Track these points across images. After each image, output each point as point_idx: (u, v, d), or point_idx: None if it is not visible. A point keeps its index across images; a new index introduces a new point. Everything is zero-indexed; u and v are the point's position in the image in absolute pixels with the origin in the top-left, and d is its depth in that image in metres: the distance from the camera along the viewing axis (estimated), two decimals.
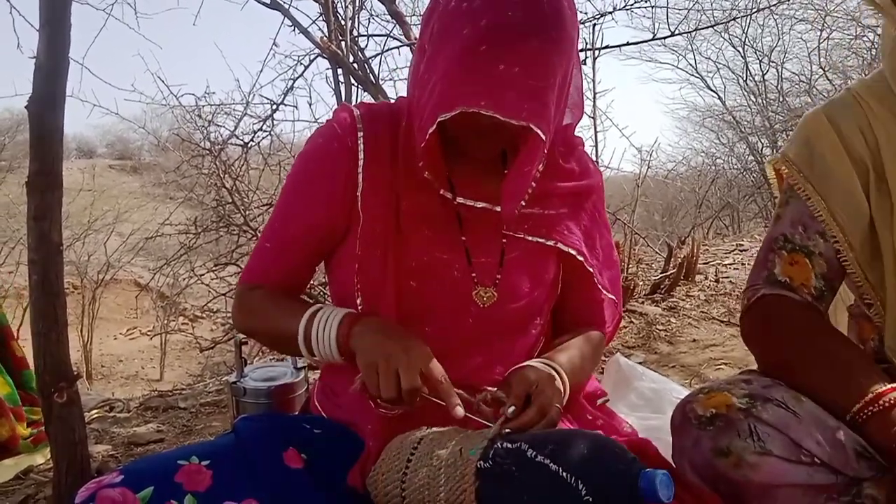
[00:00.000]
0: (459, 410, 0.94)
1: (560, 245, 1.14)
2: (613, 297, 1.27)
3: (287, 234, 1.13)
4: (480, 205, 1.11)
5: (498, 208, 1.10)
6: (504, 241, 1.12)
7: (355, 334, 1.00)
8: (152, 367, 12.76)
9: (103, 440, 2.22)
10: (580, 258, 1.16)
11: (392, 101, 1.21)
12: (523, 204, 1.06)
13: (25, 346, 2.07)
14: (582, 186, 1.19)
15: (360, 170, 1.08)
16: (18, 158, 17.96)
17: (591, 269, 1.18)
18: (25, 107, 1.65)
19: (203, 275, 4.24)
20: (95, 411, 2.58)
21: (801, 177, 1.14)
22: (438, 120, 0.94)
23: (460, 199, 1.10)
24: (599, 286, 1.20)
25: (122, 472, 0.92)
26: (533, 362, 1.07)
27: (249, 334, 1.24)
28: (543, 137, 0.96)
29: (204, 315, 12.72)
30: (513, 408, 0.95)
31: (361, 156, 1.08)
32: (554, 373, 1.05)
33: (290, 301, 1.14)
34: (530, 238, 1.13)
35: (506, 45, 0.91)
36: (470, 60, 0.92)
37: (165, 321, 12.19)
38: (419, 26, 3.83)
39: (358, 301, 1.08)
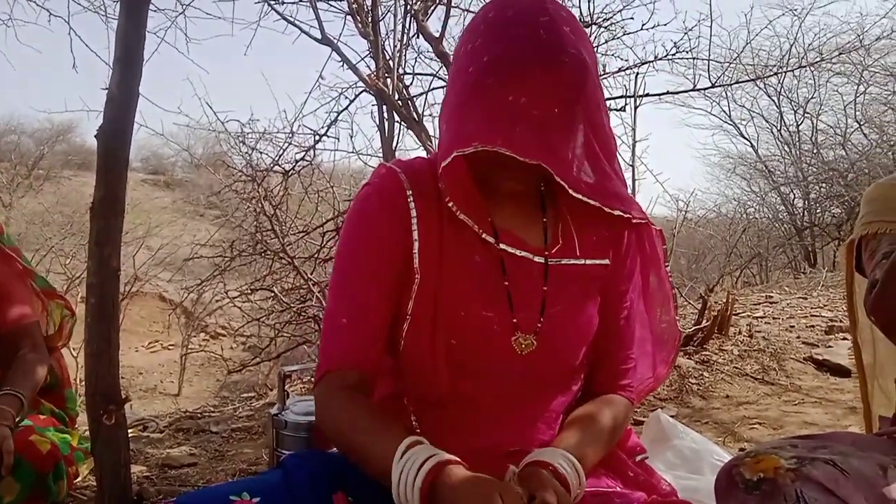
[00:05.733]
0: None
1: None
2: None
3: (362, 307, 1.08)
4: (522, 254, 1.10)
5: (538, 259, 1.11)
6: (545, 289, 1.11)
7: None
8: (171, 382, 12.82)
9: (138, 461, 2.25)
10: (623, 314, 1.17)
11: (429, 155, 1.21)
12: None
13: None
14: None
15: (414, 227, 1.08)
16: (56, 168, 18.40)
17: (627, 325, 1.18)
18: (95, 136, 1.71)
19: (236, 297, 4.29)
20: (130, 430, 2.61)
21: (883, 222, 1.25)
22: (455, 155, 0.96)
23: (503, 246, 1.10)
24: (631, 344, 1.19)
25: (177, 503, 0.94)
26: (560, 460, 0.99)
27: (336, 446, 1.12)
28: (556, 175, 0.97)
29: (225, 333, 12.84)
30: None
31: (414, 213, 1.08)
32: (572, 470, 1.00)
33: (378, 422, 1.03)
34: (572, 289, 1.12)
35: (509, 75, 0.94)
36: (479, 94, 0.96)
37: (187, 337, 12.31)
38: None
39: (403, 353, 1.09)
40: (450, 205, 1.06)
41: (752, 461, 1.00)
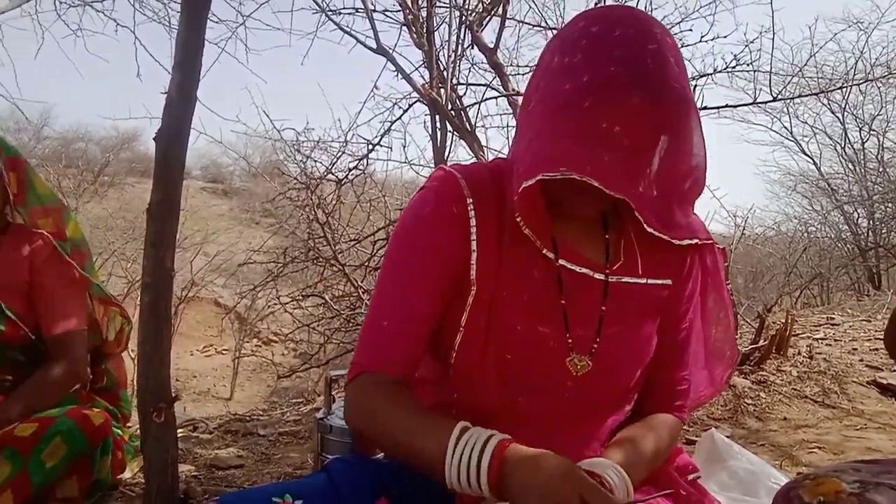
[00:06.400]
0: None
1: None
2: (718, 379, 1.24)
3: (407, 312, 1.05)
4: (581, 270, 1.07)
5: (598, 276, 1.07)
6: (603, 308, 1.08)
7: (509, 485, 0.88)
8: (223, 386, 13.08)
9: (186, 460, 2.28)
10: (682, 334, 1.14)
11: (488, 161, 1.17)
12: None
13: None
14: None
15: (473, 237, 1.04)
16: (120, 175, 19.03)
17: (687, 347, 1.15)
18: (154, 139, 1.75)
19: (287, 303, 4.35)
20: (180, 430, 2.65)
21: None
22: (539, 178, 0.92)
23: (562, 262, 1.06)
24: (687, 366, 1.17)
25: (220, 503, 0.94)
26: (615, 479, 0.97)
27: (371, 441, 1.11)
28: (636, 210, 0.95)
29: (277, 339, 13.05)
30: None
31: (474, 223, 1.04)
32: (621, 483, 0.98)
33: (422, 414, 1.01)
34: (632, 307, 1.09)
35: (608, 101, 0.90)
36: (572, 115, 0.92)
37: (240, 342, 12.54)
38: (524, 75, 3.87)
39: (453, 366, 1.07)
40: (517, 219, 1.02)
41: (812, 484, 0.95)
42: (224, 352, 13.76)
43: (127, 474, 2.08)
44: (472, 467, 0.89)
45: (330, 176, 4.06)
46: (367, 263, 4.01)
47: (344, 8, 3.78)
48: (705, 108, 4.02)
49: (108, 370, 2.17)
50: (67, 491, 1.75)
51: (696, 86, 3.83)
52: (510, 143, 4.05)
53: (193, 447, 2.47)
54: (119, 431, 2.07)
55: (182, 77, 1.73)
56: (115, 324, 2.15)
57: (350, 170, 3.98)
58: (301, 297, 4.28)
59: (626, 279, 1.09)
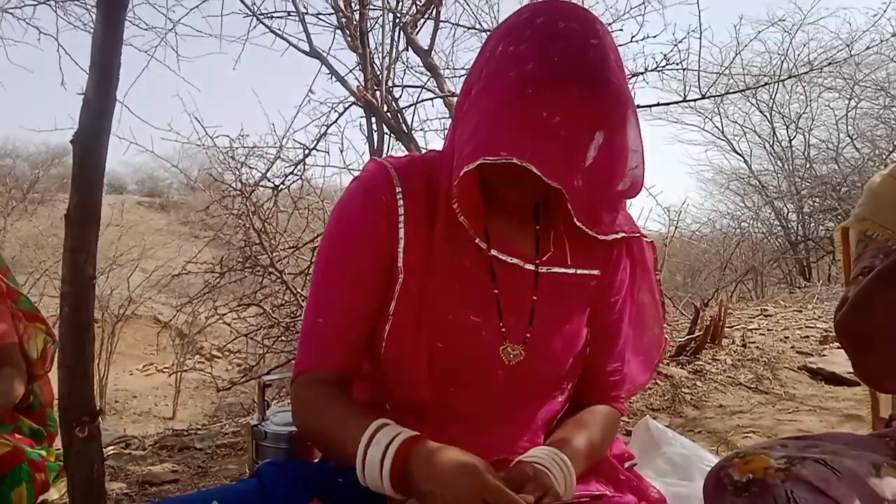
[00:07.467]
0: None
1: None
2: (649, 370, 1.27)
3: (340, 309, 1.05)
4: (512, 260, 1.08)
5: (528, 266, 1.08)
6: (535, 298, 1.08)
7: (415, 479, 0.87)
8: (165, 405, 12.73)
9: (118, 478, 2.20)
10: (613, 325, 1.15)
11: (423, 153, 1.18)
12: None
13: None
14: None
15: (400, 225, 1.05)
16: (51, 191, 18.37)
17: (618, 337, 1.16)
18: (70, 141, 1.68)
19: (225, 314, 4.24)
20: (111, 448, 2.55)
21: (876, 225, 1.21)
22: (479, 162, 0.93)
23: (494, 252, 1.07)
24: (619, 356, 1.18)
25: None
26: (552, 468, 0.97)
27: (311, 442, 1.15)
28: (570, 201, 0.96)
29: (221, 355, 12.76)
30: None
31: (401, 212, 1.05)
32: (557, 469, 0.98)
33: (350, 412, 1.00)
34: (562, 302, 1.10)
35: (549, 91, 0.91)
36: (515, 103, 0.92)
37: (182, 359, 12.23)
38: (461, 77, 3.88)
39: (384, 357, 1.06)
40: (454, 206, 1.01)
41: (741, 462, 0.97)
42: (165, 370, 13.39)
43: (54, 495, 1.98)
44: (377, 467, 0.88)
45: (266, 182, 4.00)
46: (306, 271, 3.95)
47: (276, 11, 3.74)
48: (638, 106, 4.11)
49: (33, 390, 2.06)
50: None
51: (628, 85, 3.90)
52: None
53: (126, 464, 2.37)
54: (43, 452, 1.97)
55: (99, 76, 1.67)
56: (38, 342, 2.03)
57: (286, 175, 3.92)
58: (240, 307, 4.19)
59: (555, 269, 1.10)
